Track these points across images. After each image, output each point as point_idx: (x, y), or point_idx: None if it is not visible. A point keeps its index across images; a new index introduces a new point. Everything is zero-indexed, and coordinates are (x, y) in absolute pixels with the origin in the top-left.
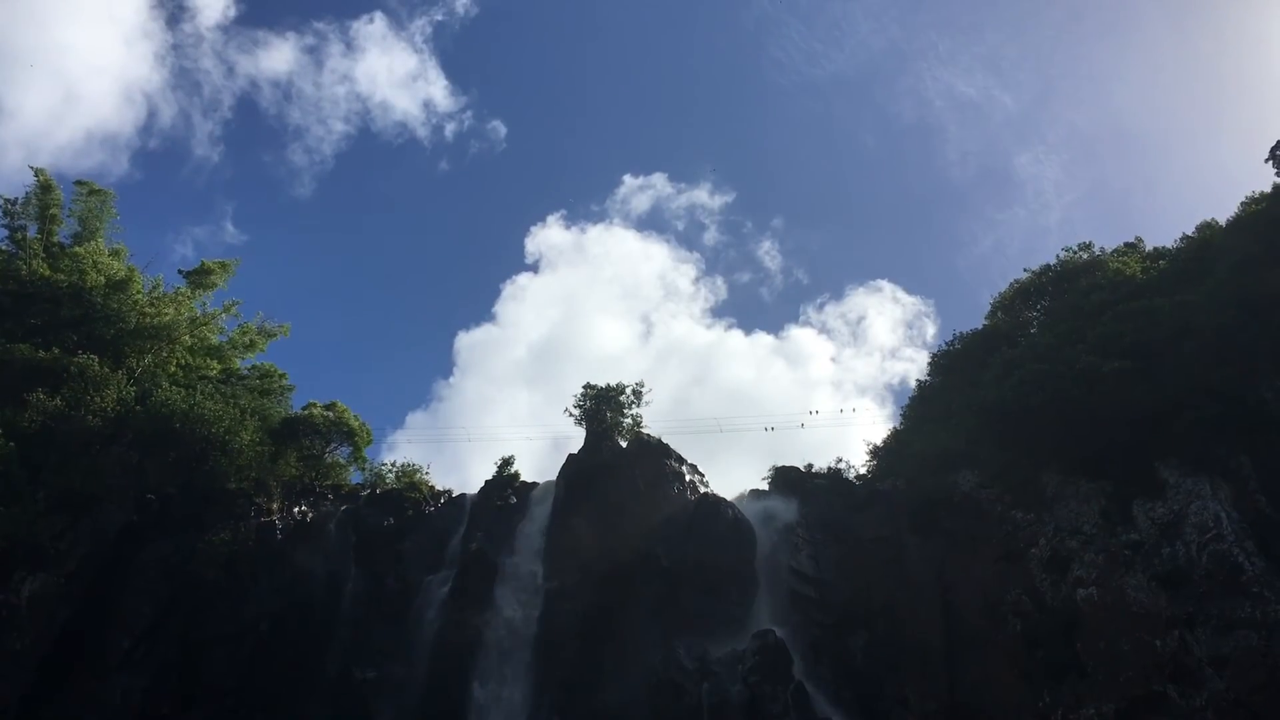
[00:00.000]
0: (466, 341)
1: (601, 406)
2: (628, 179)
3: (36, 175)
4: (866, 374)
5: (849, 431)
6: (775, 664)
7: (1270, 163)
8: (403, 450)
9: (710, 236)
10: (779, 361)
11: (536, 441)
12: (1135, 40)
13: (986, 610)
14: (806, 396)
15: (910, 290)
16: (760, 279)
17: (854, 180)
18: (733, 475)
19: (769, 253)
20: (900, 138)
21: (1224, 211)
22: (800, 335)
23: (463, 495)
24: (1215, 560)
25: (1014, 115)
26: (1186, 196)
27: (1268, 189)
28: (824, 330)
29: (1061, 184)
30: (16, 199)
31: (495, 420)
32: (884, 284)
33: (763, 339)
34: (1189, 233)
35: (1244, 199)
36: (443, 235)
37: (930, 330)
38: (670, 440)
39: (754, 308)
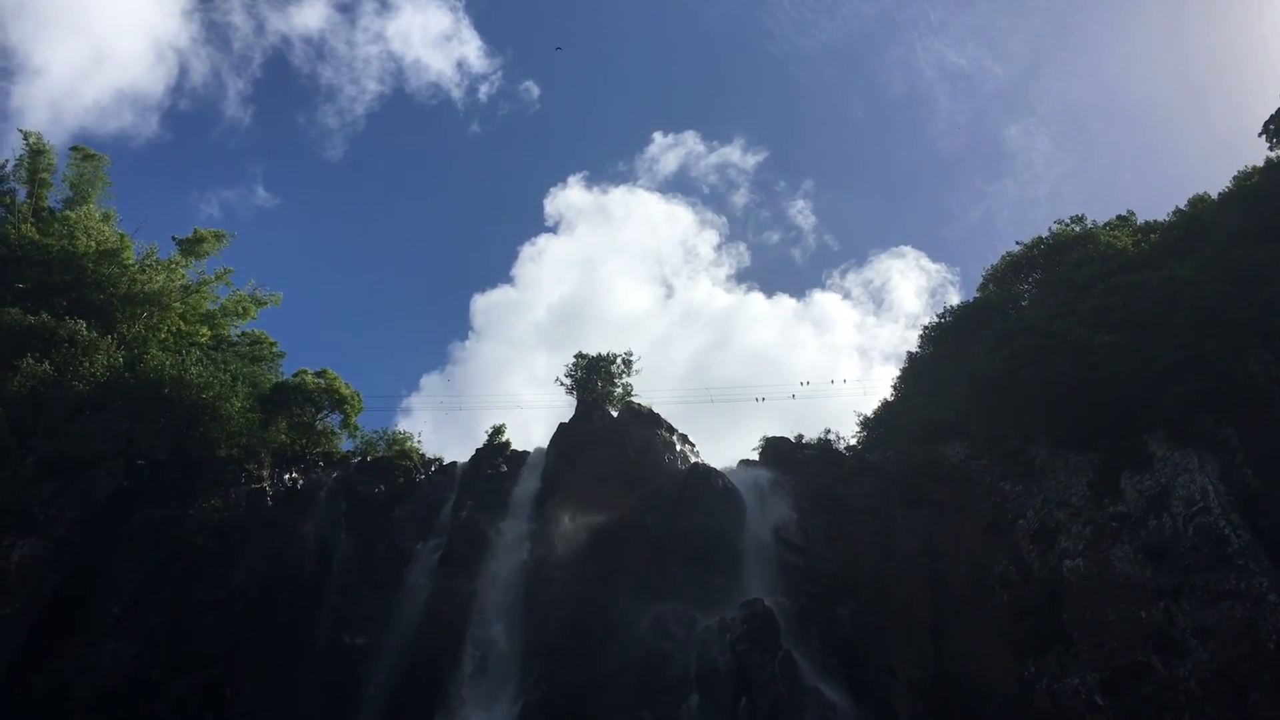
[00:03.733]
0: (483, 304)
1: (592, 376)
2: (658, 136)
3: (26, 138)
4: (890, 341)
5: (873, 401)
6: (763, 633)
7: (1264, 137)
8: (417, 414)
9: (741, 196)
10: (802, 326)
11: (557, 407)
12: (1128, 12)
13: (974, 581)
14: (830, 362)
15: (935, 257)
16: (792, 239)
17: (857, 146)
18: (753, 440)
19: (802, 212)
20: (890, 108)
21: (1216, 185)
22: (824, 300)
23: (454, 464)
24: (1201, 533)
25: (1004, 86)
26: (1179, 170)
27: (1260, 163)
28: (847, 296)
29: (1052, 156)
30: (7, 161)
31: (513, 383)
32: (908, 250)
33: (785, 302)
34: (1181, 206)
35: (1237, 173)
36: (470, 197)
37: (954, 298)
38: (677, 409)
39: (779, 270)
